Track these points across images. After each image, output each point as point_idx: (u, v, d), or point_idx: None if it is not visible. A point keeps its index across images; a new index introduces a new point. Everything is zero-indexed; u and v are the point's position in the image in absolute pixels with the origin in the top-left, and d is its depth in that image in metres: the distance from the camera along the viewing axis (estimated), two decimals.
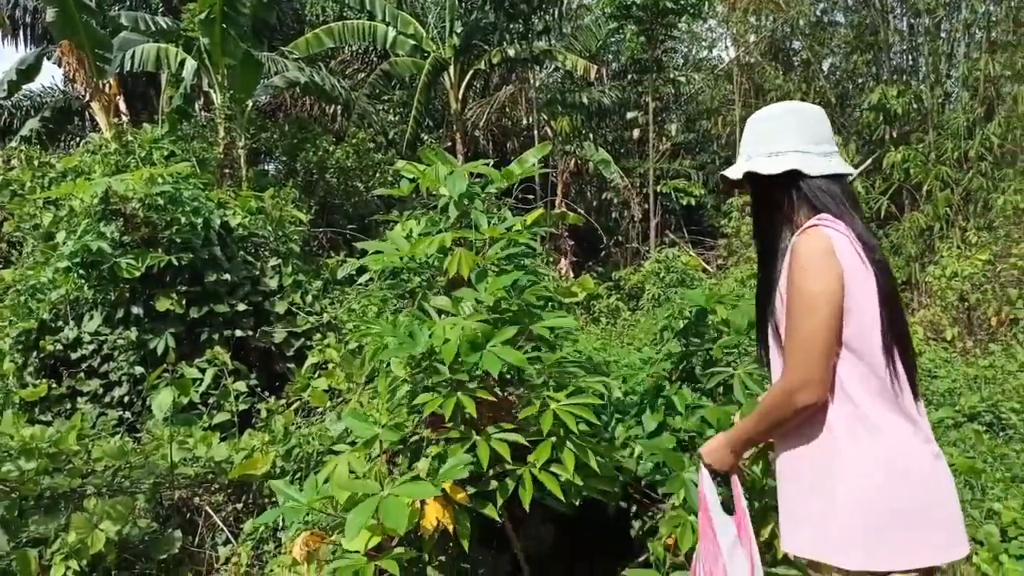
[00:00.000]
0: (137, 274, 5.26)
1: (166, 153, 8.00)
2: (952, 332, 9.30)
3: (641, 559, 2.73)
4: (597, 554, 3.01)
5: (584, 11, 21.13)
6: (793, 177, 1.80)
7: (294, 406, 4.73)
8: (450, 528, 2.27)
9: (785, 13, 16.81)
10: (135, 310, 5.41)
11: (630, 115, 18.64)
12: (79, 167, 7.57)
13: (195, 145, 10.23)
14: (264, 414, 4.74)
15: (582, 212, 16.91)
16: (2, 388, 5.36)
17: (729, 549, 1.90)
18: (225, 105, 11.06)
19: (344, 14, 16.00)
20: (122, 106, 12.40)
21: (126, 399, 5.35)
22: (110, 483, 3.63)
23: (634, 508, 3.18)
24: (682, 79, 19.41)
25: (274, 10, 13.16)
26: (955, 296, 9.84)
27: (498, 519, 2.41)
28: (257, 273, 6.08)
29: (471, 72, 15.99)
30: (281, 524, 3.60)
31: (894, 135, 14.80)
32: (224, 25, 10.42)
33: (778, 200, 1.86)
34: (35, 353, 5.43)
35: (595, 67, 16.19)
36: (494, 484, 2.35)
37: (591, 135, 18.07)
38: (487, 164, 3.12)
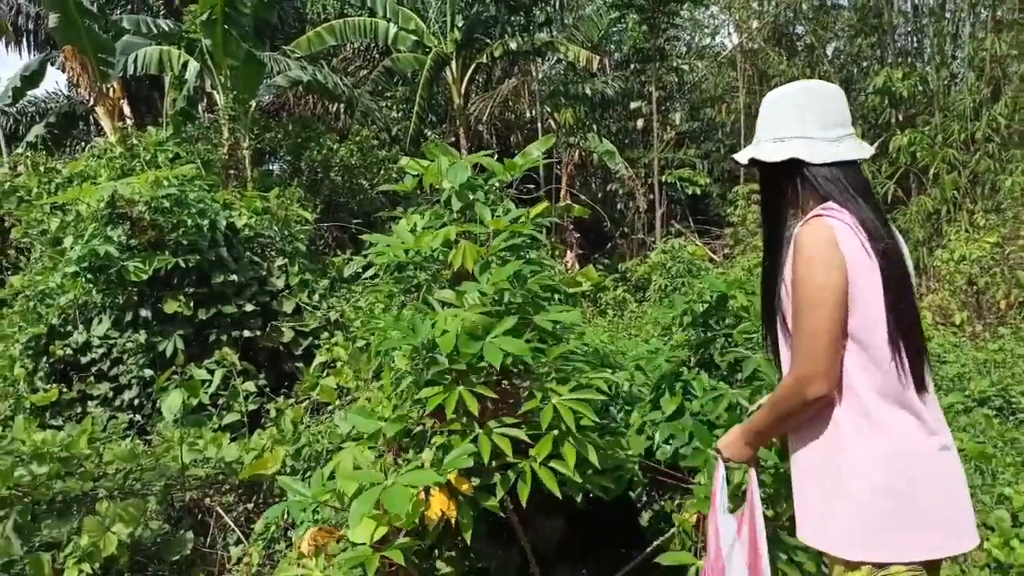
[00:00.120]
0: (145, 277, 5.28)
1: (171, 155, 8.03)
2: (961, 316, 9.26)
3: (651, 548, 2.73)
4: (605, 547, 3.01)
5: (585, 1, 21.06)
6: (797, 164, 1.77)
7: (304, 404, 4.75)
8: (454, 520, 2.28)
9: None
10: (143, 313, 5.44)
11: (634, 105, 18.60)
12: (85, 172, 7.61)
13: (199, 147, 10.28)
14: (273, 414, 4.77)
15: (588, 203, 16.89)
16: (13, 393, 5.40)
17: (728, 549, 1.92)
18: (228, 106, 11.09)
19: (345, 11, 16.05)
20: (126, 110, 12.44)
21: (136, 402, 5.38)
22: (122, 486, 3.65)
23: (644, 499, 3.19)
24: (685, 67, 19.36)
25: (275, 9, 13.16)
26: (963, 280, 9.79)
27: (501, 512, 2.42)
28: (264, 273, 6.10)
29: (473, 66, 15.97)
30: (292, 523, 3.62)
31: (900, 118, 14.72)
32: (226, 26, 10.44)
33: (783, 187, 1.84)
34: (45, 358, 5.47)
35: (597, 58, 16.13)
36: (497, 477, 2.36)
37: (595, 126, 18.03)
38: (490, 157, 3.12)
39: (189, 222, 5.55)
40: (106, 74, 11.54)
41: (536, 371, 2.63)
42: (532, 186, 16.21)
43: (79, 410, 5.32)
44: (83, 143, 16.44)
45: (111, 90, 11.83)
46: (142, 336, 5.39)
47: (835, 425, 1.71)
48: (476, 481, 2.39)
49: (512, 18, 16.44)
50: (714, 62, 21.06)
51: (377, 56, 18.52)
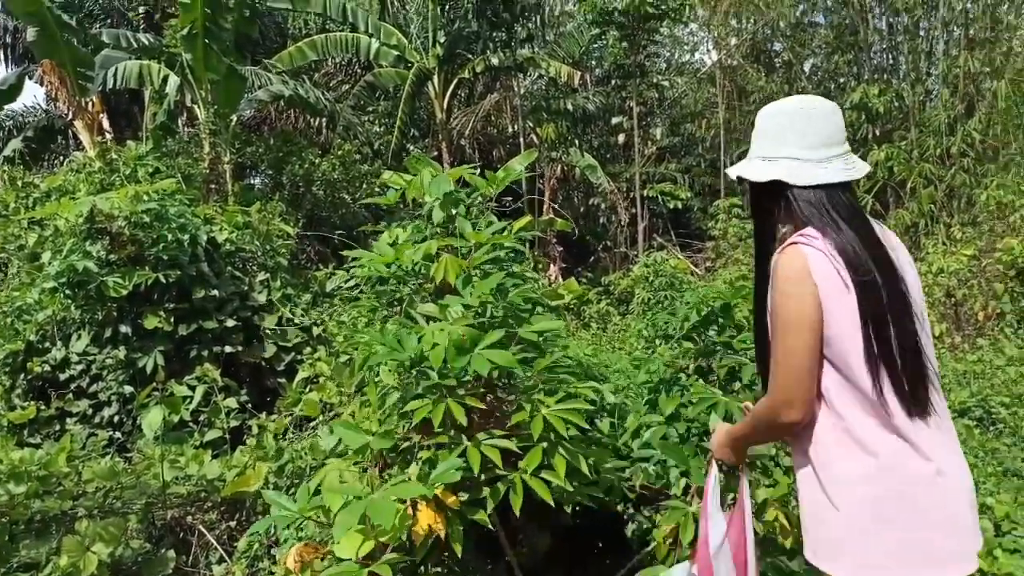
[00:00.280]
0: (124, 292, 5.23)
1: (151, 170, 7.98)
2: (940, 328, 9.35)
3: (634, 560, 2.73)
4: (592, 559, 3.00)
5: (566, 18, 21.21)
6: (781, 185, 1.74)
7: (286, 420, 4.70)
8: (442, 534, 2.27)
9: (765, 15, 16.94)
10: (123, 329, 5.38)
11: (615, 120, 18.72)
12: (63, 186, 7.55)
13: (180, 161, 10.20)
14: (256, 430, 4.72)
15: (570, 218, 16.95)
16: None
17: (716, 551, 1.93)
18: (209, 120, 11.04)
19: (327, 27, 16.01)
20: (105, 124, 12.37)
21: (116, 419, 5.31)
22: (102, 504, 3.59)
23: (629, 511, 3.19)
24: (665, 83, 19.54)
25: (256, 24, 13.15)
26: (942, 292, 9.90)
27: (490, 525, 2.41)
28: (245, 288, 6.06)
29: (455, 81, 16.01)
30: (276, 540, 3.57)
31: (877, 133, 14.93)
32: (206, 40, 10.40)
33: (768, 207, 1.84)
34: (23, 375, 5.39)
35: (579, 73, 16.24)
36: (486, 491, 2.35)
37: (577, 141, 18.10)
38: (473, 171, 3.12)
39: (169, 237, 5.51)
40: (85, 88, 11.46)
41: (523, 384, 2.63)
42: (512, 198, 16.24)
43: (58, 428, 5.25)
44: (62, 157, 16.30)
45: (90, 104, 11.75)
46: (122, 352, 5.33)
47: (818, 442, 1.72)
48: (464, 496, 2.38)
49: (494, 34, 16.50)
50: (694, 78, 21.26)
51: (359, 71, 18.51)
